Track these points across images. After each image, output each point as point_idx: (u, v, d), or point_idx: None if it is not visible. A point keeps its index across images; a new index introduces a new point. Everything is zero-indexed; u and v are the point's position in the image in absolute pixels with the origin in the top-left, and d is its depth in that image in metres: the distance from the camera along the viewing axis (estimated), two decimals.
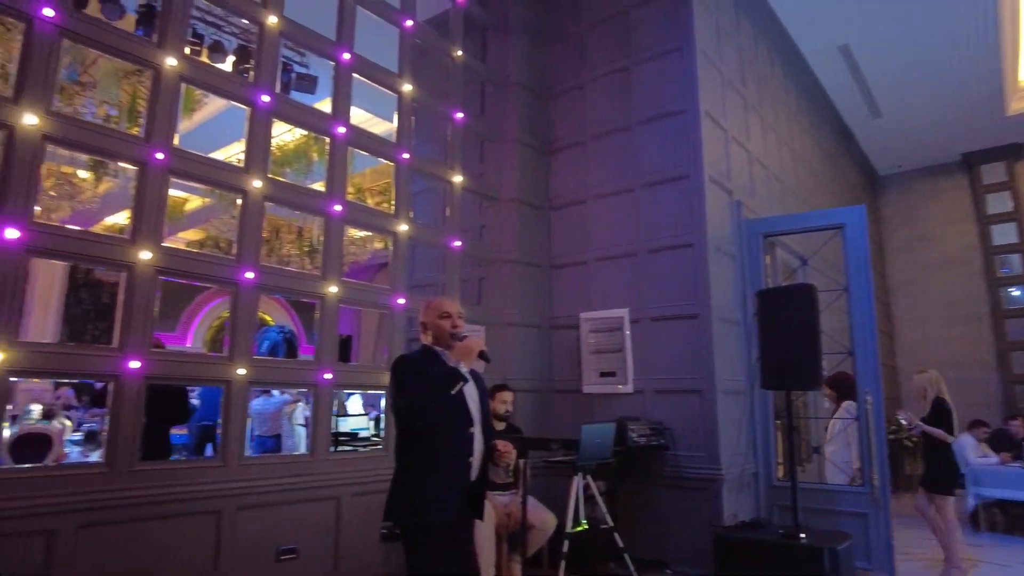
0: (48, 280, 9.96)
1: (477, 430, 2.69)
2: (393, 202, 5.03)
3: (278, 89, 4.47)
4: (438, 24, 5.90)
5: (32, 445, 5.54)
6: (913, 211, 11.88)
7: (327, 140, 4.68)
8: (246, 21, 4.91)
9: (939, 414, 5.08)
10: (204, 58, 5.69)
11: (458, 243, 5.40)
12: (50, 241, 3.26)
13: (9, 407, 3.31)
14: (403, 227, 4.97)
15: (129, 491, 3.30)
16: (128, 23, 5.12)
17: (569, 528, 4.16)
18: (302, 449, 5.66)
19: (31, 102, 3.20)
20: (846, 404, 5.32)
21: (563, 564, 4.09)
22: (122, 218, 9.21)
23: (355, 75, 4.84)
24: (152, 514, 3.38)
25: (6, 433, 5.05)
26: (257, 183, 4.10)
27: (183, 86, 3.91)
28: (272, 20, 4.35)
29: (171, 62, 3.77)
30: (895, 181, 12.18)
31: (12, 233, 3.07)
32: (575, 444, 4.20)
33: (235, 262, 3.97)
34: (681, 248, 5.20)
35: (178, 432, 6.36)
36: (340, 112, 4.69)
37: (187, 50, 3.98)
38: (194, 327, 12.36)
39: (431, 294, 4.78)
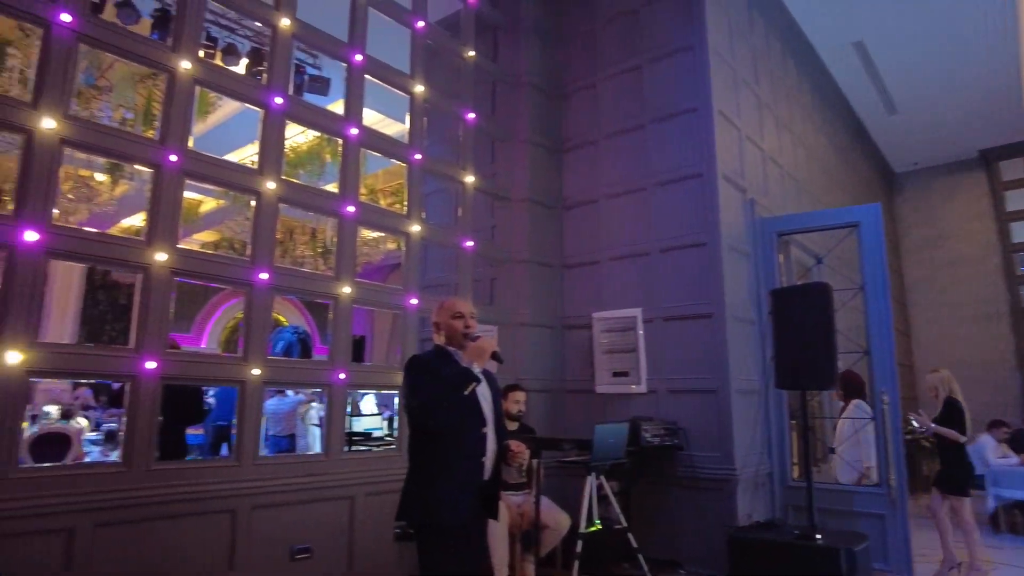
0: (66, 282, 10.09)
1: (490, 430, 2.69)
2: (406, 203, 5.05)
3: (291, 91, 4.50)
4: (449, 25, 5.91)
5: (52, 444, 5.62)
6: (930, 209, 11.73)
7: (340, 142, 4.71)
8: (259, 24, 4.94)
9: (951, 414, 5.03)
10: (218, 61, 5.74)
11: (470, 243, 5.40)
12: (68, 243, 3.30)
13: (29, 407, 3.36)
14: (415, 228, 4.98)
15: (146, 490, 3.33)
16: (143, 27, 5.18)
17: (583, 528, 4.16)
18: (316, 449, 5.70)
19: (49, 106, 3.25)
20: (855, 403, 5.28)
21: (576, 564, 4.09)
22: (138, 220, 9.32)
23: (367, 76, 4.86)
24: (168, 513, 3.41)
25: (26, 432, 5.12)
26: (271, 185, 4.13)
27: (197, 89, 3.95)
28: (285, 23, 4.38)
29: (185, 65, 3.80)
30: (911, 178, 12.03)
31: (31, 235, 3.11)
32: (588, 444, 4.20)
33: (249, 263, 4.00)
34: (694, 247, 5.17)
35: (194, 432, 6.42)
36: (352, 114, 4.71)
37: (201, 53, 4.02)
38: (209, 328, 12.47)
39: (444, 294, 4.79)
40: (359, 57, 4.79)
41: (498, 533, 3.96)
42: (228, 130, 7.64)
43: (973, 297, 10.95)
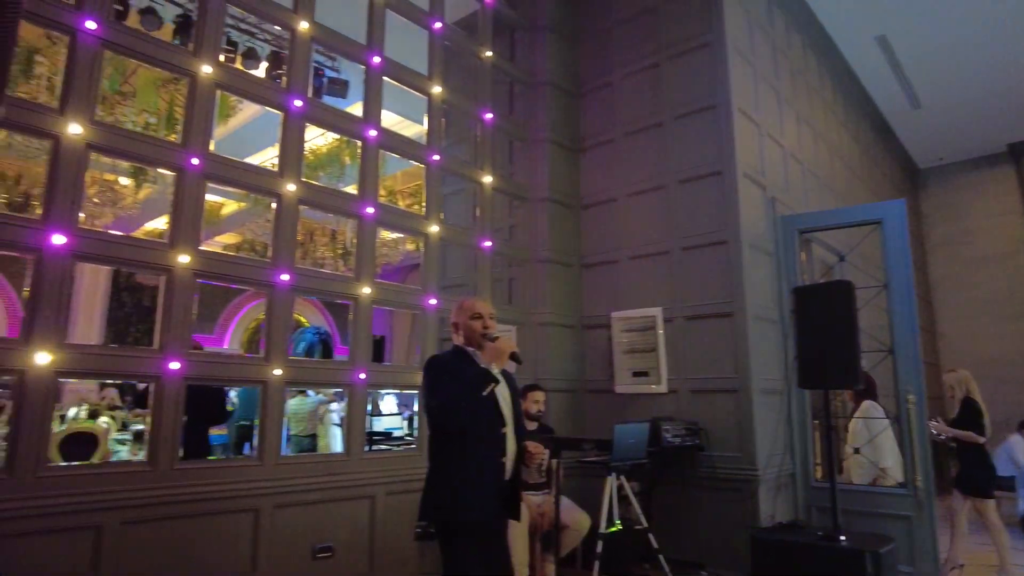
0: (92, 284, 10.27)
1: (509, 430, 2.69)
2: (424, 204, 5.07)
3: (310, 94, 4.54)
4: (466, 25, 5.92)
5: (79, 444, 5.72)
6: (956, 205, 11.49)
7: (359, 143, 4.75)
8: (278, 28, 5.00)
9: (968, 414, 4.96)
10: (238, 65, 5.80)
11: (489, 243, 5.41)
12: (94, 246, 3.36)
13: (57, 406, 3.42)
14: (434, 228, 5.00)
15: (170, 489, 3.38)
16: (166, 33, 5.25)
17: (603, 528, 4.15)
18: (337, 448, 5.75)
19: (75, 112, 3.31)
20: (866, 404, 5.20)
21: (597, 565, 4.08)
22: (161, 223, 9.45)
23: (385, 78, 4.89)
24: (192, 511, 3.46)
25: (55, 431, 5.22)
26: (291, 187, 4.17)
27: (218, 93, 4.00)
28: (304, 26, 4.42)
29: (206, 70, 3.85)
30: (936, 174, 11.80)
31: (59, 239, 3.18)
32: (608, 444, 4.18)
33: (270, 265, 4.04)
34: (715, 245, 5.12)
35: (217, 432, 6.50)
36: (371, 115, 4.74)
37: (222, 57, 4.08)
38: (231, 329, 12.61)
39: (462, 295, 4.80)
40: (377, 59, 4.82)
41: (517, 533, 3.96)
42: (249, 133, 7.71)
43: (1001, 294, 10.70)
